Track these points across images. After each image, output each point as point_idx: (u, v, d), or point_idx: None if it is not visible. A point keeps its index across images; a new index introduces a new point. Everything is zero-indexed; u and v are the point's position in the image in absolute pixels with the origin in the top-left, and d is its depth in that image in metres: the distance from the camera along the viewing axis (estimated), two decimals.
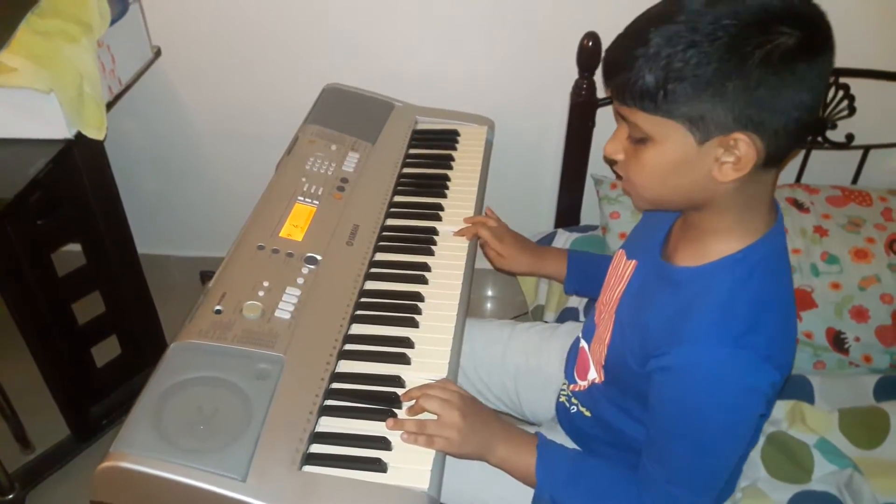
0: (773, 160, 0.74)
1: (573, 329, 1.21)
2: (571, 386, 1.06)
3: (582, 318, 1.36)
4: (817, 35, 0.69)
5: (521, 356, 1.21)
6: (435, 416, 0.92)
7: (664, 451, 0.85)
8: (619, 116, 0.78)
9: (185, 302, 1.08)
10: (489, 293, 2.07)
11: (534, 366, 1.19)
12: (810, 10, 0.70)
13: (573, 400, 1.06)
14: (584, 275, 1.20)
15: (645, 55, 0.70)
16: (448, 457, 0.92)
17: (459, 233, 1.22)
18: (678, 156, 0.74)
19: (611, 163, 0.83)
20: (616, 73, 0.74)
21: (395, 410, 0.93)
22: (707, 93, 0.69)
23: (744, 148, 0.71)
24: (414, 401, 0.93)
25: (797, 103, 0.69)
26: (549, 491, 0.93)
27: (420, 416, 0.92)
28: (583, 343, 1.04)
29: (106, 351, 1.61)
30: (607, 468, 0.93)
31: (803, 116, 0.71)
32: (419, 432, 0.90)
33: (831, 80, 1.46)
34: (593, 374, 0.99)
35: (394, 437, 0.90)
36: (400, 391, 0.95)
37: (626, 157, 0.80)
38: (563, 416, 1.09)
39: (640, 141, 0.76)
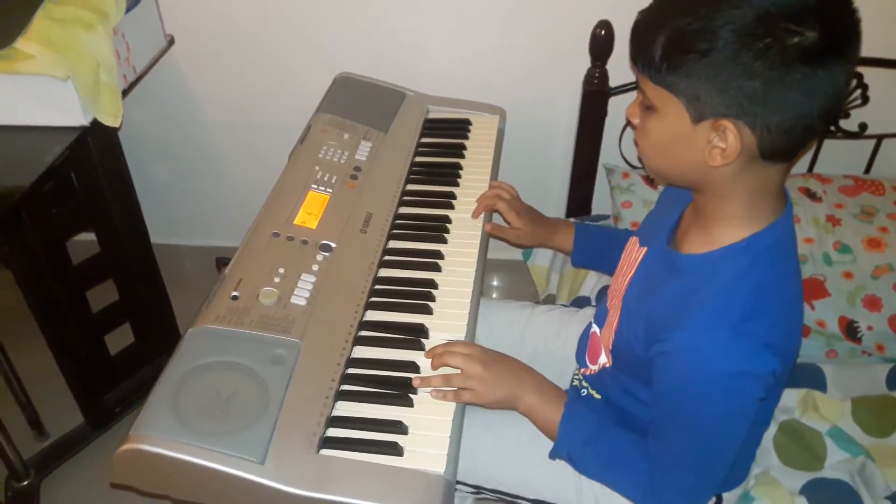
0: (771, 155, 0.73)
1: (591, 313, 1.22)
2: (583, 370, 1.07)
3: (594, 305, 1.36)
4: (831, 44, 0.67)
5: (540, 339, 1.21)
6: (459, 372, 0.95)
7: (667, 435, 0.86)
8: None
9: (197, 291, 1.09)
10: (495, 283, 2.07)
11: (552, 349, 1.20)
12: (836, 15, 0.67)
13: (584, 383, 1.07)
14: (592, 246, 1.22)
15: (661, 25, 0.71)
16: (463, 436, 0.93)
17: (477, 211, 1.23)
18: (675, 130, 0.76)
19: (632, 126, 0.85)
20: (635, 37, 0.75)
21: (412, 396, 0.94)
22: (705, 74, 0.69)
23: (730, 136, 0.72)
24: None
25: (794, 104, 0.69)
26: (568, 448, 0.95)
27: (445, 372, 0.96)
28: (594, 328, 1.05)
29: (119, 339, 1.62)
30: (627, 441, 0.94)
31: (802, 118, 0.70)
32: (446, 387, 0.93)
33: None
34: (603, 359, 1.00)
35: (409, 421, 0.90)
36: (414, 376, 0.96)
37: (639, 123, 0.81)
38: (575, 398, 1.10)
39: (648, 108, 0.78)
